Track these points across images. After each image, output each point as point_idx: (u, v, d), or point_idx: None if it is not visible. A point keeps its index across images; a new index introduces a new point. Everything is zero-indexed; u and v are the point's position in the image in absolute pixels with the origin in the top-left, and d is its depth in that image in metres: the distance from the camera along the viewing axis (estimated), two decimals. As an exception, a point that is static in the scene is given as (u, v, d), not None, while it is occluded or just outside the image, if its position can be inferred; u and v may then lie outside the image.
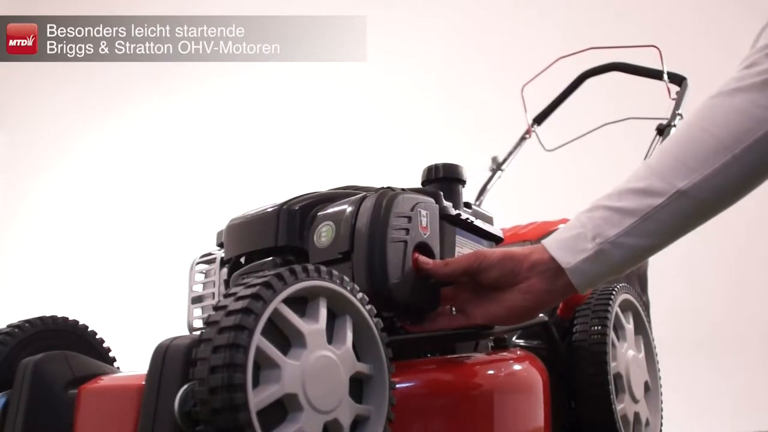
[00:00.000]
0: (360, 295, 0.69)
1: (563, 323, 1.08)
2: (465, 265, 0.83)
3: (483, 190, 1.67)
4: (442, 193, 0.89)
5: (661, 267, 1.46)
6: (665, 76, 1.56)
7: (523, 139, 1.74)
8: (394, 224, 0.79)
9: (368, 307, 0.69)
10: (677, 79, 1.56)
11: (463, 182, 0.97)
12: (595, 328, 1.03)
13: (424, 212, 0.84)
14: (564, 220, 1.41)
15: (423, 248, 0.83)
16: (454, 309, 0.88)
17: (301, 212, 0.85)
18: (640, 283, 1.36)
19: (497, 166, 1.70)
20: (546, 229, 1.38)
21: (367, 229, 0.78)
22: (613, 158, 2.06)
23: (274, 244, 0.84)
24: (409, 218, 0.81)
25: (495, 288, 0.83)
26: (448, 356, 0.92)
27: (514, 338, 1.07)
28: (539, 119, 1.76)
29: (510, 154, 1.72)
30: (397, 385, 0.70)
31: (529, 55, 2.09)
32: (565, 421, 1.01)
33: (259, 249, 0.85)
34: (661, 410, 1.17)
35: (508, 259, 0.82)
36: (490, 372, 0.90)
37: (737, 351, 2.41)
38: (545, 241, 0.83)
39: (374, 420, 0.66)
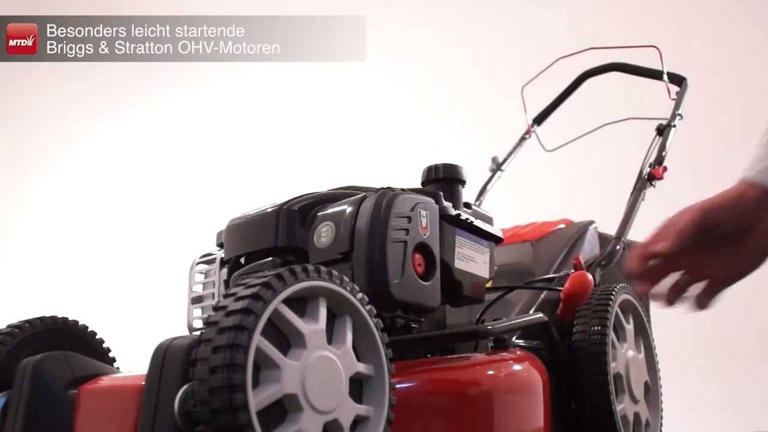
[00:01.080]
0: (360, 295, 0.69)
1: (563, 323, 1.08)
2: (692, 228, 0.75)
3: (483, 190, 1.67)
4: (442, 194, 0.89)
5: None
6: (665, 77, 1.56)
7: (523, 139, 1.74)
8: (394, 224, 0.79)
9: (368, 307, 0.69)
10: (677, 80, 1.56)
11: (463, 182, 0.97)
12: (595, 328, 1.03)
13: (424, 212, 0.84)
14: (564, 220, 1.41)
15: (423, 248, 0.83)
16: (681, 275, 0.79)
17: (301, 212, 0.85)
18: (640, 284, 1.36)
19: (497, 166, 1.70)
20: (546, 230, 1.38)
21: (367, 229, 0.78)
22: (613, 158, 2.06)
23: (274, 245, 0.84)
24: (409, 218, 0.81)
25: (729, 239, 0.76)
26: (448, 356, 0.92)
27: (514, 338, 1.07)
28: (539, 119, 1.76)
29: (510, 154, 1.72)
30: (397, 385, 0.70)
31: (529, 55, 2.09)
32: (565, 421, 1.01)
33: (259, 249, 0.85)
34: (661, 410, 1.17)
35: (733, 204, 0.75)
36: (490, 372, 0.90)
37: (737, 351, 2.40)
38: (749, 176, 0.76)
39: (374, 420, 0.66)
